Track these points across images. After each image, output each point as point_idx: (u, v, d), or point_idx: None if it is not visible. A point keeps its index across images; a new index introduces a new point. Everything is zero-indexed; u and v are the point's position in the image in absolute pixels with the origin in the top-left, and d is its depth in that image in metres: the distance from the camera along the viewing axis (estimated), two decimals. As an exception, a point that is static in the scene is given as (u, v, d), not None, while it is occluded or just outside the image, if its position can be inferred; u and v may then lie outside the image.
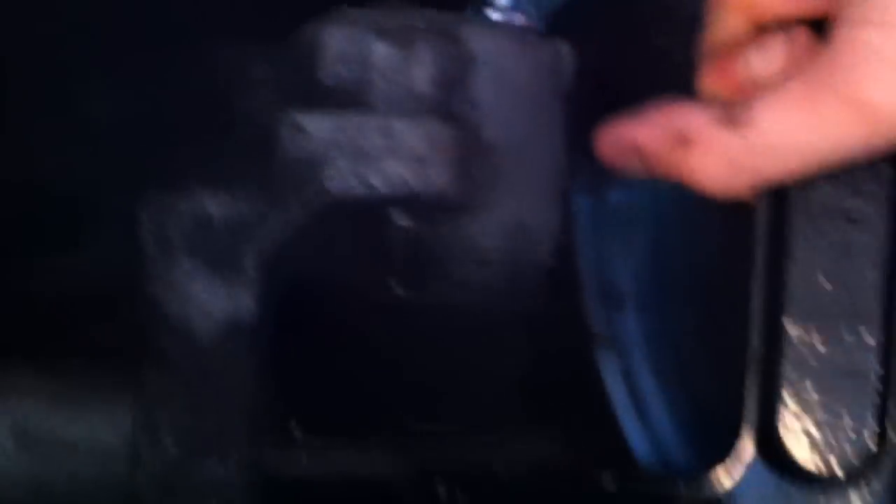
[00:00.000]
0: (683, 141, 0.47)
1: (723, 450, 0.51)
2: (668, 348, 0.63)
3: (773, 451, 0.50)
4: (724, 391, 0.61)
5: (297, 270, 0.47)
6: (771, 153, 0.46)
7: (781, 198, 0.49)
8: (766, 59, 0.48)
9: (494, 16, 0.50)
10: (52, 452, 0.51)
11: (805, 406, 0.50)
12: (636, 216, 0.63)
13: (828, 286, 0.49)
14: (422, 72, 0.46)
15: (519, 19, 0.50)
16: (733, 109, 0.47)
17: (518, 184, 0.49)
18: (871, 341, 0.49)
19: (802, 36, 0.48)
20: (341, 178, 0.44)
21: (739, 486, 0.50)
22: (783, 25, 0.49)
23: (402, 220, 0.46)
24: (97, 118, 0.55)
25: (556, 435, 0.52)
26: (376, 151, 0.44)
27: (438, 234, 0.47)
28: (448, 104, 0.46)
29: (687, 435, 0.63)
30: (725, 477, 0.50)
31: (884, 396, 0.49)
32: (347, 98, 0.45)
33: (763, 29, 0.49)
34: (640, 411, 0.63)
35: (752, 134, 0.46)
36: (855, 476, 0.50)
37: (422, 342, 0.49)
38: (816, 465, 0.50)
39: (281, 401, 0.47)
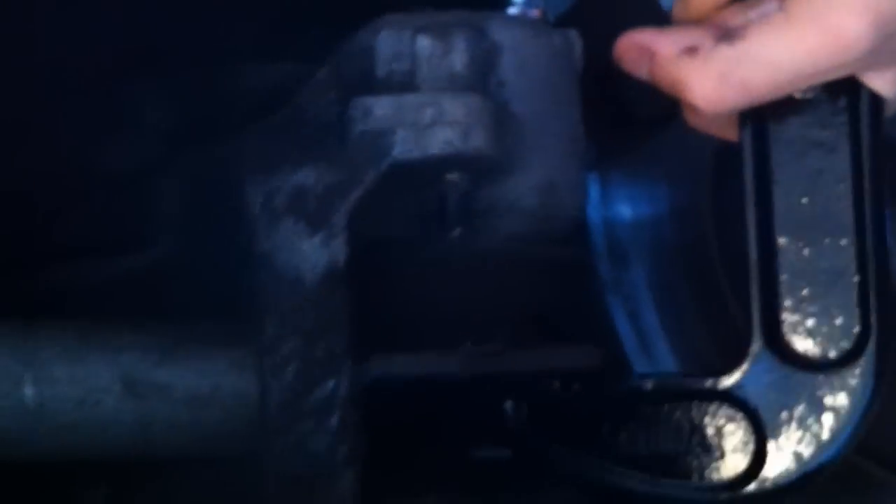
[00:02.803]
0: (689, 51, 0.57)
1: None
2: (668, 291, 0.75)
3: (777, 343, 0.60)
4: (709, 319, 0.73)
5: (375, 224, 0.59)
6: (756, 65, 0.55)
7: (762, 133, 0.60)
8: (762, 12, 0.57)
9: (512, 10, 0.61)
10: (154, 399, 0.60)
11: (800, 303, 0.60)
12: (636, 188, 0.77)
13: (806, 202, 0.60)
14: (459, 57, 0.58)
15: (533, 13, 0.62)
16: (733, 29, 0.57)
17: (544, 149, 0.60)
18: (847, 245, 0.60)
19: None
20: (403, 146, 0.57)
21: (749, 376, 0.60)
22: None
23: (453, 177, 0.58)
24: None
25: (592, 351, 0.62)
26: (429, 122, 0.57)
27: (480, 191, 0.59)
28: (482, 84, 0.58)
29: (681, 361, 0.75)
30: (737, 370, 0.60)
31: (863, 290, 0.60)
32: (399, 86, 0.58)
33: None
34: (644, 347, 0.75)
35: (743, 47, 0.56)
36: (845, 358, 0.60)
37: (470, 281, 0.60)
38: (813, 352, 0.60)
39: (371, 327, 0.59)
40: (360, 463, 0.57)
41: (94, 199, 0.69)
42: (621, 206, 0.77)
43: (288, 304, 0.57)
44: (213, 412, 0.60)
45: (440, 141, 0.56)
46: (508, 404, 0.62)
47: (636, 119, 0.74)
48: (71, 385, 0.59)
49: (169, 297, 0.67)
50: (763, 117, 0.60)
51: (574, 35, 0.62)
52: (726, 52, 0.56)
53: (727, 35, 0.57)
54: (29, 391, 0.59)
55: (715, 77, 0.56)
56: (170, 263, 0.69)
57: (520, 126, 0.59)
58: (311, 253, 0.57)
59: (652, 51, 0.58)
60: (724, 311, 0.72)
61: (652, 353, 0.76)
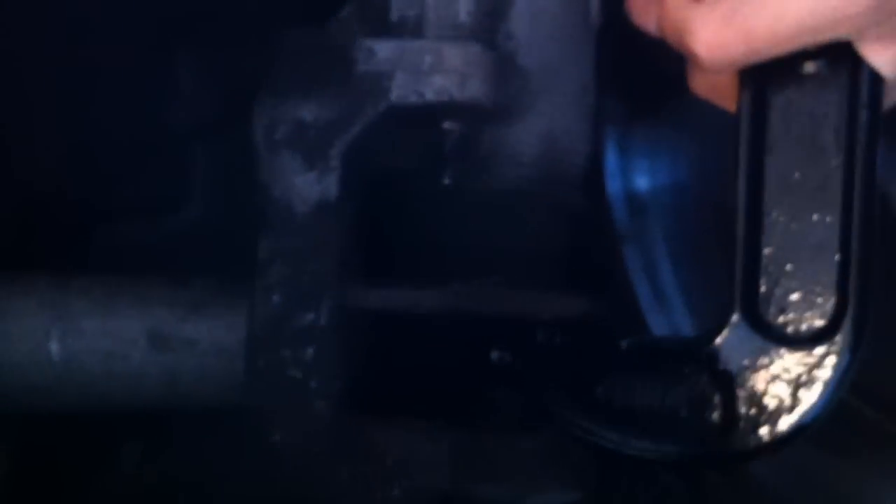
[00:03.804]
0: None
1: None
2: (685, 245, 0.76)
3: (754, 315, 0.61)
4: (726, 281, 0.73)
5: (371, 164, 0.61)
6: (759, 11, 0.55)
7: (760, 103, 0.60)
8: None
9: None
10: (179, 352, 0.61)
11: (781, 277, 0.61)
12: (657, 144, 0.78)
13: (798, 177, 0.60)
14: (464, 6, 0.59)
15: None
16: None
17: (549, 100, 0.61)
18: (832, 221, 0.60)
19: None
20: (401, 90, 0.58)
21: (726, 345, 0.61)
22: None
23: (449, 125, 0.60)
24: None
25: (581, 303, 0.64)
26: (427, 68, 0.58)
27: (481, 138, 0.60)
28: (489, 33, 0.60)
29: (698, 319, 0.76)
30: (716, 338, 0.61)
31: (844, 267, 0.60)
32: (410, 31, 0.59)
33: None
34: (659, 300, 0.76)
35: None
36: (820, 334, 0.60)
37: (469, 220, 0.62)
38: (790, 326, 0.61)
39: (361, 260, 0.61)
40: (337, 392, 0.60)
41: (133, 163, 0.71)
42: (642, 163, 0.77)
43: (279, 234, 0.60)
44: (239, 365, 0.61)
45: (436, 88, 0.58)
46: (494, 350, 0.63)
47: (662, 76, 0.74)
48: (99, 338, 0.61)
49: (199, 259, 0.69)
50: (762, 88, 0.60)
51: None
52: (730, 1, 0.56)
53: None
54: (57, 344, 0.61)
55: (718, 21, 0.56)
56: (200, 226, 0.71)
57: (526, 77, 0.61)
58: (305, 186, 0.59)
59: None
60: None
61: (667, 308, 0.77)
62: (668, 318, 0.77)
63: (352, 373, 0.61)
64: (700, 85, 0.62)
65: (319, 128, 0.59)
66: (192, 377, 0.62)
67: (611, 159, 0.77)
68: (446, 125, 0.59)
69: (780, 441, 0.61)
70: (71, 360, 0.61)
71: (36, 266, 0.65)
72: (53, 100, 0.70)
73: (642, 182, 0.77)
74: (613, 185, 0.77)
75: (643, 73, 0.75)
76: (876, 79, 0.59)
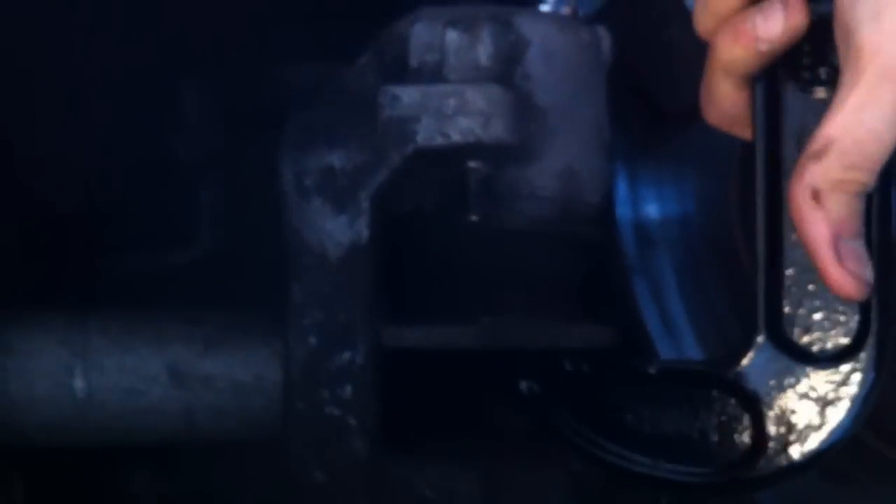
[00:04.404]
0: (815, 195, 0.56)
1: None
2: (692, 273, 0.78)
3: (779, 335, 0.62)
4: (737, 307, 0.75)
5: (399, 204, 0.62)
6: (860, 151, 0.55)
7: (776, 132, 0.62)
8: (767, 22, 0.58)
9: (545, 7, 0.64)
10: (198, 388, 0.63)
11: (804, 298, 0.62)
12: (663, 177, 0.80)
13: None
14: (484, 49, 0.61)
15: (565, 10, 0.65)
16: (812, 144, 0.56)
17: (566, 138, 0.63)
18: None
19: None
20: (427, 133, 0.60)
21: (752, 366, 0.62)
22: None
23: (474, 164, 0.61)
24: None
25: (606, 331, 0.65)
26: (452, 111, 0.60)
27: (503, 176, 0.62)
28: (507, 75, 0.61)
29: (704, 345, 0.77)
30: (741, 360, 0.63)
31: (867, 288, 0.62)
32: (430, 75, 0.61)
33: None
34: (667, 326, 0.78)
35: (837, 149, 0.55)
36: (845, 353, 0.62)
37: (494, 256, 0.64)
38: (814, 346, 0.62)
39: (393, 298, 0.62)
40: (373, 429, 0.61)
41: (141, 194, 0.73)
42: (649, 195, 0.79)
43: (313, 278, 0.61)
44: (255, 400, 0.63)
45: (461, 129, 0.59)
46: (522, 381, 0.65)
47: (665, 114, 0.76)
48: (119, 375, 0.63)
49: (211, 291, 0.70)
50: (777, 114, 0.62)
51: (602, 31, 0.65)
52: (828, 166, 0.55)
53: (813, 154, 0.56)
54: (79, 381, 0.63)
55: (837, 185, 0.56)
56: (212, 258, 0.73)
57: (543, 116, 0.62)
58: (336, 231, 0.61)
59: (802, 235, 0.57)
60: (747, 297, 0.74)
61: (675, 336, 0.78)
62: (677, 347, 0.79)
63: (384, 409, 0.62)
64: (713, 115, 0.64)
65: (348, 173, 0.61)
66: (209, 413, 0.64)
67: (620, 191, 0.79)
68: (471, 165, 0.61)
69: (810, 460, 0.62)
70: (94, 397, 0.63)
71: (45, 294, 0.66)
72: (63, 127, 0.71)
73: (650, 212, 0.79)
74: (622, 216, 0.79)
75: (649, 110, 0.77)
76: None
